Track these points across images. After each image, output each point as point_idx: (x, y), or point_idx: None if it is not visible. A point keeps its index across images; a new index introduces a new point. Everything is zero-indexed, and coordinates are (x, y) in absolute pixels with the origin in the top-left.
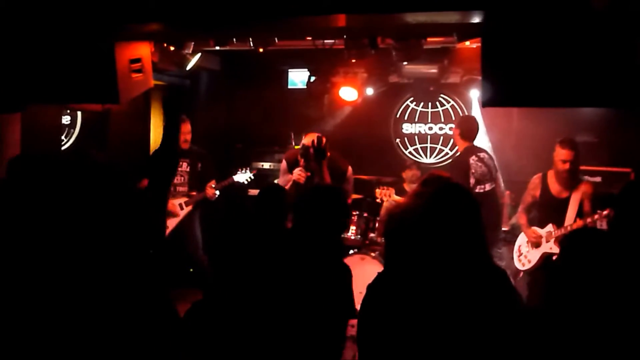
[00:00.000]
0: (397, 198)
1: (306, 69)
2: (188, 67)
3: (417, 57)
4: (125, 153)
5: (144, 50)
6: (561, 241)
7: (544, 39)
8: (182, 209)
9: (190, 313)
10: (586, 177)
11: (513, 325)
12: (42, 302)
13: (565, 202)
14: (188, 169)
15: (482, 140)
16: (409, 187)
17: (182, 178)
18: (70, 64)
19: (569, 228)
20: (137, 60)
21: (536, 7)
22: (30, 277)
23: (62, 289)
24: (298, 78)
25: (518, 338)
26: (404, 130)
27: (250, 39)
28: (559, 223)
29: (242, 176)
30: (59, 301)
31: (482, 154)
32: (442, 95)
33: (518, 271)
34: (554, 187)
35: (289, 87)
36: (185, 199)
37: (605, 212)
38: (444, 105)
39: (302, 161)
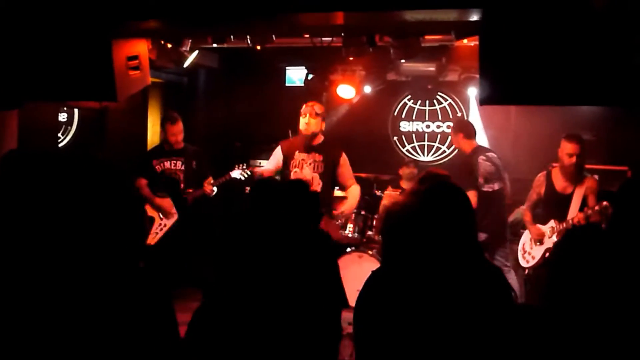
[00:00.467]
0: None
1: (304, 67)
2: (185, 65)
3: (415, 55)
4: (123, 151)
5: (141, 48)
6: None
7: (542, 37)
8: None
9: (198, 319)
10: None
11: (507, 322)
12: (34, 305)
13: (569, 198)
14: (183, 168)
15: (480, 138)
16: (405, 185)
17: (177, 177)
18: (68, 62)
19: (570, 222)
20: (135, 57)
21: (534, 5)
22: (24, 277)
23: (55, 290)
24: (296, 76)
25: (512, 335)
26: (401, 128)
27: (248, 37)
28: (562, 218)
29: (239, 172)
30: (52, 304)
31: (490, 154)
32: (439, 93)
33: (524, 269)
34: (559, 183)
35: (287, 84)
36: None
37: (604, 203)
38: (442, 103)
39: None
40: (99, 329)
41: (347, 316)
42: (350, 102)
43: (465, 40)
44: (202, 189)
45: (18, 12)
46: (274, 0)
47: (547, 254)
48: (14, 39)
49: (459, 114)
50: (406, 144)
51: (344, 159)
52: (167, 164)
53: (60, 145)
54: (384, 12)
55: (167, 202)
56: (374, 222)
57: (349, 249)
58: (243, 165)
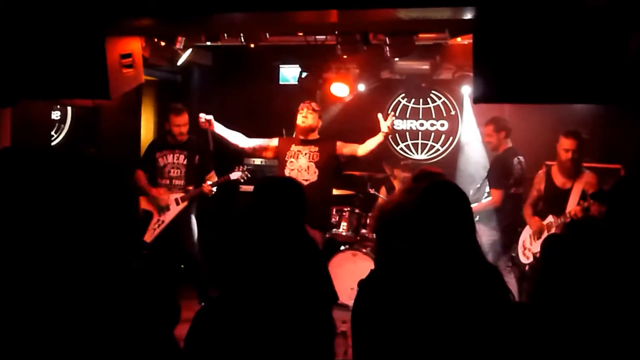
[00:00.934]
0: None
1: (298, 65)
2: (179, 63)
3: (409, 54)
4: (116, 148)
5: (134, 46)
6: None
7: (536, 35)
8: (177, 204)
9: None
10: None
11: (504, 321)
12: (27, 304)
13: (567, 193)
14: (185, 162)
15: (474, 136)
16: (397, 185)
17: (179, 171)
18: (61, 60)
19: (568, 216)
20: (128, 55)
21: (528, 4)
22: (15, 275)
23: (47, 289)
24: (290, 74)
25: (508, 333)
26: (395, 127)
27: (242, 34)
28: (560, 213)
29: (239, 174)
30: (43, 303)
31: (521, 157)
32: (433, 91)
33: (519, 267)
34: (558, 179)
35: (281, 82)
36: (182, 194)
37: (586, 204)
38: (436, 101)
39: None
40: (91, 329)
41: (340, 314)
42: (344, 101)
43: (459, 39)
44: (200, 188)
45: (11, 10)
46: None
47: None
48: (7, 37)
49: (453, 112)
50: (400, 142)
51: (341, 143)
52: (169, 157)
53: (53, 143)
54: (378, 10)
55: (166, 198)
56: (368, 220)
57: (342, 247)
58: (243, 167)
